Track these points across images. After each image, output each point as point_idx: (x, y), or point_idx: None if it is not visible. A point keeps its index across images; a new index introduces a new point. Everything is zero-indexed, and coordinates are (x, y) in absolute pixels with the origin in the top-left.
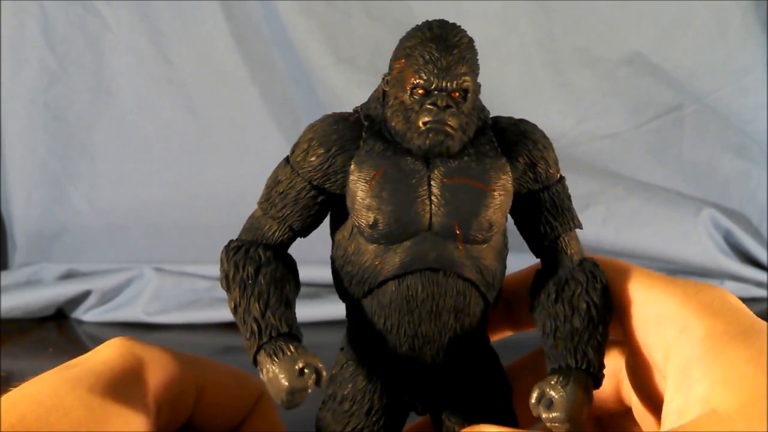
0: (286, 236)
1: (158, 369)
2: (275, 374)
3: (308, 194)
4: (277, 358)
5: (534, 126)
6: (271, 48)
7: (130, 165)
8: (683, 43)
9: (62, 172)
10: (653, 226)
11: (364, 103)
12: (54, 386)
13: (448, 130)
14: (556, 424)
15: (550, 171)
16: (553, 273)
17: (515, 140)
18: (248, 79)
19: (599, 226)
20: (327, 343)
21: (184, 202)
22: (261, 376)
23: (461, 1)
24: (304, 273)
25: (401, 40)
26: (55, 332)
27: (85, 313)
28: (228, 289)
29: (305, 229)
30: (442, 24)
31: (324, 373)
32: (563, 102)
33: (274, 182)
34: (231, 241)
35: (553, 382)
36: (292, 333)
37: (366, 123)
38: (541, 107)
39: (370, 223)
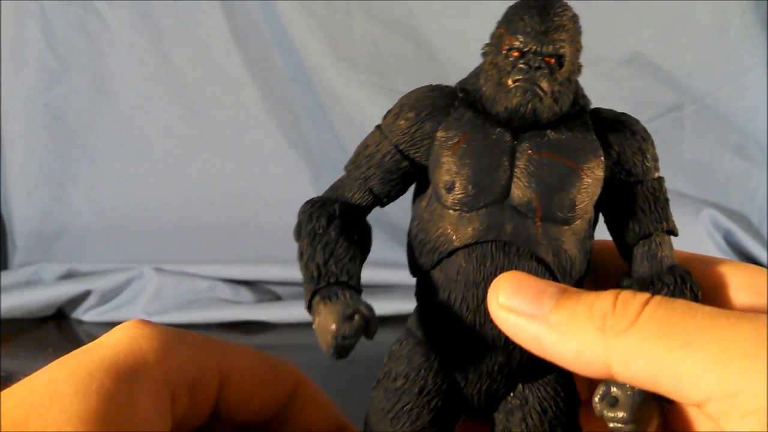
0: (365, 198)
1: (172, 352)
2: (324, 318)
3: (393, 158)
4: (330, 301)
5: (636, 120)
6: (271, 48)
7: (130, 165)
8: (683, 43)
9: (62, 172)
10: None
11: (464, 78)
12: (53, 374)
13: (538, 90)
14: (619, 425)
15: (647, 164)
16: (638, 275)
17: (613, 128)
18: (248, 79)
19: (599, 226)
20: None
21: (184, 202)
22: (313, 323)
23: (461, 1)
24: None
25: (507, 9)
26: (55, 332)
27: (85, 313)
28: (298, 237)
29: (386, 195)
30: None
31: (374, 323)
32: None
33: (363, 146)
34: (312, 198)
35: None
36: (351, 283)
37: (461, 94)
38: None
39: (448, 186)
